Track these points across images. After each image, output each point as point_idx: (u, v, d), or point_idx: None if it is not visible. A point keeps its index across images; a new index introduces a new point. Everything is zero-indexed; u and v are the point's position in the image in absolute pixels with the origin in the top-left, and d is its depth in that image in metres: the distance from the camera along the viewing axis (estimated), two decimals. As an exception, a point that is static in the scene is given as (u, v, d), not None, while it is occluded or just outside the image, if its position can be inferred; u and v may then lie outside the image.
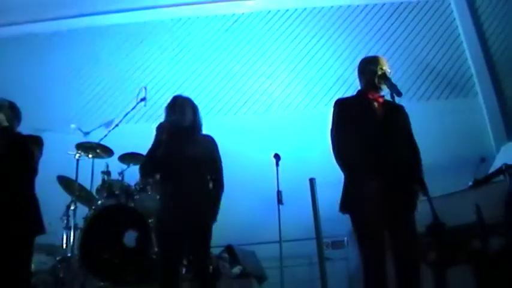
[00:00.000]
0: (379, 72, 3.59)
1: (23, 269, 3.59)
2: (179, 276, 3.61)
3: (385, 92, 3.59)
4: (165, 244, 3.66)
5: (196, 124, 3.86)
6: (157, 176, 4.12)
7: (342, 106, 3.65)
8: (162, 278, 3.60)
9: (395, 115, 3.58)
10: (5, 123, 3.70)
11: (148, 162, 3.72)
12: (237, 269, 4.97)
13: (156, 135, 3.67)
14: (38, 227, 3.65)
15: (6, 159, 3.64)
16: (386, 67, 3.65)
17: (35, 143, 3.82)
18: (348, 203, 3.48)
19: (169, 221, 3.61)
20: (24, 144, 3.75)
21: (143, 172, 3.83)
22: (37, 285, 4.63)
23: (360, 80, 3.76)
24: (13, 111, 3.89)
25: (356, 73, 3.83)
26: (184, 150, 3.69)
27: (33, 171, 3.76)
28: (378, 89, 3.60)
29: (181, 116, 3.75)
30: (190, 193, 3.62)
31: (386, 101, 3.60)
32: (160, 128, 3.67)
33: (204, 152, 3.75)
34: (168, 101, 3.91)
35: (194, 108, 3.89)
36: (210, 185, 3.79)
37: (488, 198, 4.27)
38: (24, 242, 3.56)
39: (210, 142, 3.88)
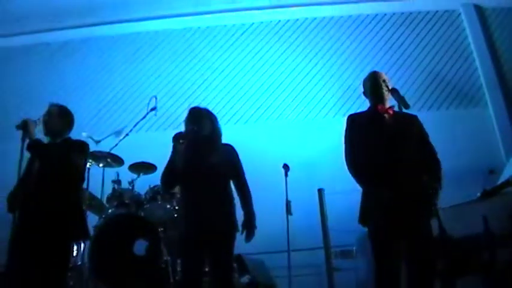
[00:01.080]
0: (377, 88, 3.67)
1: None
2: (201, 285, 3.60)
3: (393, 102, 3.63)
4: (186, 254, 3.65)
5: (215, 133, 3.86)
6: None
7: (353, 120, 3.71)
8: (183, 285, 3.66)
9: (407, 126, 3.60)
10: (33, 137, 3.80)
11: (169, 174, 3.68)
12: (246, 278, 4.98)
13: (174, 146, 3.66)
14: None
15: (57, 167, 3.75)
16: (382, 79, 3.69)
17: (82, 150, 3.97)
18: (363, 215, 3.53)
19: (191, 230, 3.60)
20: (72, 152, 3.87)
21: (165, 184, 3.81)
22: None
23: (367, 98, 3.82)
24: (62, 117, 4.05)
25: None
26: (204, 159, 3.69)
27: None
28: (384, 100, 3.65)
29: (200, 125, 3.75)
30: (214, 203, 3.62)
31: (397, 112, 3.62)
32: (177, 138, 3.65)
33: (225, 160, 3.75)
34: (187, 111, 3.91)
35: (212, 118, 3.89)
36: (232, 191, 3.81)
37: (497, 210, 4.26)
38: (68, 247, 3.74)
39: (230, 150, 3.88)
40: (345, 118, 3.76)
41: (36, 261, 3.57)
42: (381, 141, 3.51)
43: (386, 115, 3.62)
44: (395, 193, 3.30)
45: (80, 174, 3.94)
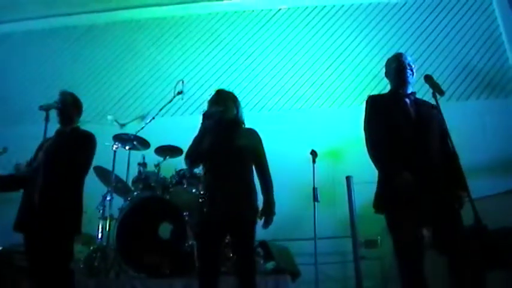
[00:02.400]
0: (400, 71, 3.58)
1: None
2: (219, 269, 3.57)
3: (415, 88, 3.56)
4: (207, 235, 3.59)
5: (238, 118, 3.84)
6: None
7: (373, 101, 3.62)
8: (201, 270, 3.56)
9: (428, 112, 3.49)
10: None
11: (195, 150, 3.63)
12: (270, 265, 4.96)
13: (203, 123, 3.62)
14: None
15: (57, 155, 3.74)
16: (407, 61, 3.61)
17: (84, 142, 3.94)
18: (380, 202, 3.43)
19: (214, 212, 3.56)
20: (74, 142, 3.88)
21: (190, 161, 3.74)
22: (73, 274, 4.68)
23: (389, 80, 3.73)
24: (76, 106, 4.08)
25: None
26: (229, 141, 3.67)
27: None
28: (407, 84, 3.57)
29: (225, 108, 3.72)
30: (237, 186, 3.58)
31: (418, 99, 3.55)
32: (206, 116, 3.62)
33: (248, 144, 3.72)
34: (212, 94, 3.88)
35: (236, 103, 3.87)
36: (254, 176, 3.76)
37: (531, 202, 4.19)
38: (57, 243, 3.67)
39: (254, 135, 3.85)
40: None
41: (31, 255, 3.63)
42: (405, 123, 3.42)
43: (407, 99, 3.54)
44: (420, 177, 3.21)
45: (77, 167, 3.88)
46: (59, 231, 3.66)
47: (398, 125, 3.43)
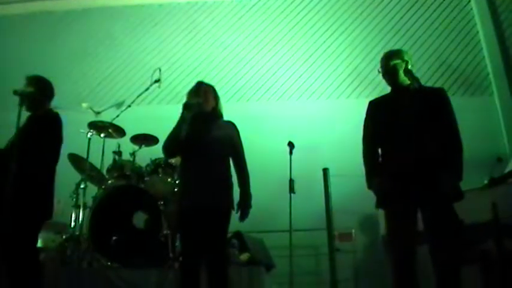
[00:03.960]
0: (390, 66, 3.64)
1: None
2: (199, 261, 3.54)
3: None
4: (183, 227, 3.65)
5: (217, 111, 3.86)
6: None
7: (369, 108, 3.74)
8: (182, 262, 3.64)
9: (427, 103, 3.47)
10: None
11: (173, 140, 3.64)
12: (245, 256, 4.94)
13: (182, 113, 3.62)
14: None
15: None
16: (392, 61, 3.63)
17: (42, 124, 3.83)
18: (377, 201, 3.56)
19: (190, 204, 3.58)
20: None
21: (167, 150, 3.74)
22: (44, 263, 4.61)
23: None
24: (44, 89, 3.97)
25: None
26: (206, 133, 3.68)
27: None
28: (397, 82, 3.62)
29: (205, 100, 3.75)
30: (212, 177, 3.59)
31: (418, 89, 3.54)
32: (186, 106, 3.62)
33: (226, 136, 3.74)
34: (192, 86, 3.88)
35: (216, 96, 3.89)
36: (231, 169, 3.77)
37: (504, 198, 4.23)
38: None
39: (231, 127, 3.86)
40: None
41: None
42: (396, 126, 3.48)
43: (406, 97, 3.54)
44: (407, 175, 3.31)
45: (44, 151, 3.78)
46: (27, 216, 3.60)
47: (388, 125, 3.52)
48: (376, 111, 3.67)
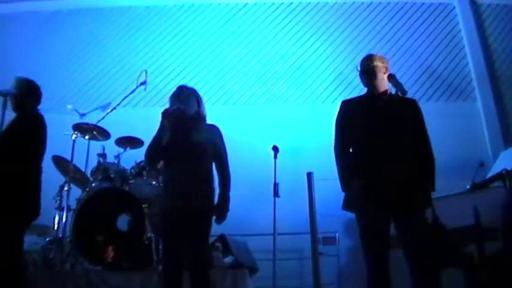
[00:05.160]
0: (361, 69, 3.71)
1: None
2: (181, 264, 3.56)
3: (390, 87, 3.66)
4: (165, 230, 3.68)
5: (200, 114, 3.87)
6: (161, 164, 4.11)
7: (344, 106, 3.76)
8: (164, 264, 3.67)
9: (401, 111, 3.58)
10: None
11: (154, 149, 3.68)
12: (229, 259, 4.95)
13: (162, 122, 3.64)
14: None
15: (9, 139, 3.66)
16: (373, 63, 3.67)
17: (24, 125, 3.84)
18: (345, 203, 3.61)
19: (171, 207, 3.61)
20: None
21: (149, 158, 3.78)
22: (27, 265, 4.58)
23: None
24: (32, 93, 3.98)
25: (356, 71, 3.87)
26: (188, 138, 3.70)
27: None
28: (374, 85, 3.65)
29: (186, 105, 3.75)
30: (193, 180, 3.60)
31: (394, 97, 3.61)
32: (165, 115, 3.63)
33: (208, 140, 3.75)
34: (173, 90, 3.89)
35: (199, 99, 3.91)
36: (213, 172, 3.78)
37: (486, 203, 4.26)
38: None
39: (214, 131, 3.88)
40: (335, 104, 3.77)
41: None
42: (371, 126, 3.52)
43: (380, 101, 3.60)
44: (379, 182, 3.35)
45: (29, 152, 3.81)
46: (12, 217, 3.60)
47: (364, 127, 3.55)
48: (352, 112, 3.68)
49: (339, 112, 3.74)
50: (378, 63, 3.66)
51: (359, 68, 3.74)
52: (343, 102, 3.79)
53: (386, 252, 3.41)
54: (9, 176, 3.66)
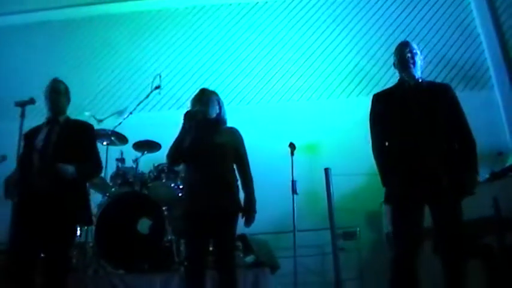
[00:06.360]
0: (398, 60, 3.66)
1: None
2: (204, 266, 3.60)
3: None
4: (188, 233, 3.72)
5: (221, 117, 3.91)
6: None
7: (374, 101, 3.72)
8: (187, 267, 3.70)
9: (433, 98, 3.52)
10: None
11: (176, 150, 3.70)
12: (250, 258, 4.97)
13: (184, 123, 3.68)
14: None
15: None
16: (408, 50, 3.64)
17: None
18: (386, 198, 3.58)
19: (195, 208, 3.63)
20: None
21: (171, 159, 3.81)
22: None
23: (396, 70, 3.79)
24: (67, 95, 4.08)
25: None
26: (210, 140, 3.72)
27: None
28: (409, 72, 3.60)
29: (208, 107, 3.80)
30: (217, 181, 3.63)
31: (426, 84, 3.60)
32: (187, 116, 3.67)
33: (229, 142, 3.78)
34: (195, 93, 3.93)
35: (220, 102, 3.94)
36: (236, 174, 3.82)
37: (505, 192, 4.23)
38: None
39: (235, 133, 3.91)
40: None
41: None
42: (405, 121, 3.47)
43: (412, 90, 3.56)
44: (411, 177, 3.33)
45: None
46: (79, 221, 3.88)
47: (397, 120, 3.51)
48: (384, 105, 3.64)
49: (371, 107, 3.71)
50: (417, 51, 3.66)
51: (396, 55, 3.71)
52: (374, 95, 3.76)
53: (417, 249, 3.36)
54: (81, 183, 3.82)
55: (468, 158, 3.45)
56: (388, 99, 3.65)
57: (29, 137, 3.85)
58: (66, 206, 3.61)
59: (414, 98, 3.52)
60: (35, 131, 3.86)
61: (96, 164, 3.96)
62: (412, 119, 3.44)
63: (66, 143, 3.77)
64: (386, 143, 3.61)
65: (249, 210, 3.73)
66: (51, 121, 3.92)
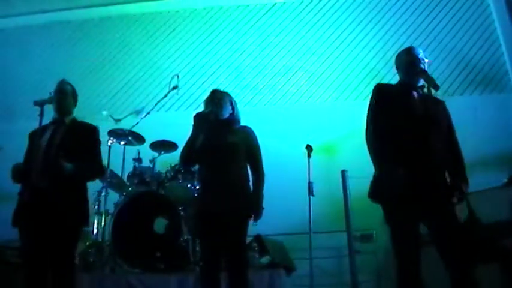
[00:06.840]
0: (412, 63, 3.58)
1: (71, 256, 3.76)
2: (219, 265, 3.60)
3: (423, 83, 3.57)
4: (202, 233, 3.72)
5: (234, 117, 3.90)
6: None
7: (380, 91, 3.61)
8: (202, 267, 3.73)
9: (435, 108, 3.50)
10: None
11: (189, 151, 3.71)
12: (265, 259, 4.96)
13: (194, 125, 3.69)
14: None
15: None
16: (420, 55, 3.60)
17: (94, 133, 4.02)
18: (376, 191, 3.43)
19: (209, 208, 3.62)
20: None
21: (184, 160, 3.83)
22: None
23: (399, 74, 3.73)
24: (74, 96, 4.10)
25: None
26: (222, 139, 3.72)
27: None
28: (417, 78, 3.56)
29: (220, 108, 3.79)
30: (229, 182, 3.63)
31: (426, 94, 3.55)
32: (198, 118, 3.68)
33: (241, 142, 3.77)
34: (208, 94, 3.93)
35: (233, 102, 3.93)
36: (249, 173, 3.79)
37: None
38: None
39: (247, 132, 3.88)
40: (367, 101, 3.65)
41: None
42: (409, 116, 3.41)
43: (415, 93, 3.54)
44: (413, 173, 3.22)
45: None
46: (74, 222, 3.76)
47: (402, 117, 3.42)
48: (388, 100, 3.53)
49: (374, 97, 3.59)
50: (422, 55, 3.62)
51: (405, 57, 3.65)
52: (377, 85, 3.70)
53: (419, 250, 3.30)
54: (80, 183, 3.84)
55: (460, 169, 3.44)
56: (393, 93, 3.58)
57: (35, 136, 3.89)
58: (63, 205, 3.62)
59: (418, 100, 3.49)
60: (41, 131, 3.88)
61: (96, 166, 3.97)
62: (416, 118, 3.39)
63: (69, 144, 3.78)
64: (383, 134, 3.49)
65: (256, 207, 3.67)
66: (57, 122, 3.95)
